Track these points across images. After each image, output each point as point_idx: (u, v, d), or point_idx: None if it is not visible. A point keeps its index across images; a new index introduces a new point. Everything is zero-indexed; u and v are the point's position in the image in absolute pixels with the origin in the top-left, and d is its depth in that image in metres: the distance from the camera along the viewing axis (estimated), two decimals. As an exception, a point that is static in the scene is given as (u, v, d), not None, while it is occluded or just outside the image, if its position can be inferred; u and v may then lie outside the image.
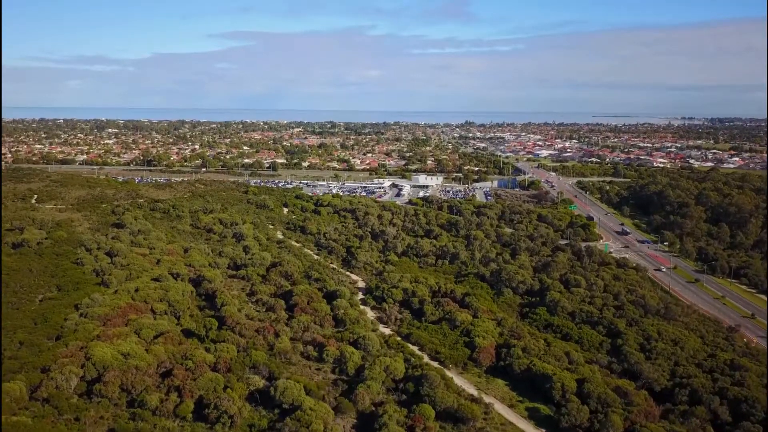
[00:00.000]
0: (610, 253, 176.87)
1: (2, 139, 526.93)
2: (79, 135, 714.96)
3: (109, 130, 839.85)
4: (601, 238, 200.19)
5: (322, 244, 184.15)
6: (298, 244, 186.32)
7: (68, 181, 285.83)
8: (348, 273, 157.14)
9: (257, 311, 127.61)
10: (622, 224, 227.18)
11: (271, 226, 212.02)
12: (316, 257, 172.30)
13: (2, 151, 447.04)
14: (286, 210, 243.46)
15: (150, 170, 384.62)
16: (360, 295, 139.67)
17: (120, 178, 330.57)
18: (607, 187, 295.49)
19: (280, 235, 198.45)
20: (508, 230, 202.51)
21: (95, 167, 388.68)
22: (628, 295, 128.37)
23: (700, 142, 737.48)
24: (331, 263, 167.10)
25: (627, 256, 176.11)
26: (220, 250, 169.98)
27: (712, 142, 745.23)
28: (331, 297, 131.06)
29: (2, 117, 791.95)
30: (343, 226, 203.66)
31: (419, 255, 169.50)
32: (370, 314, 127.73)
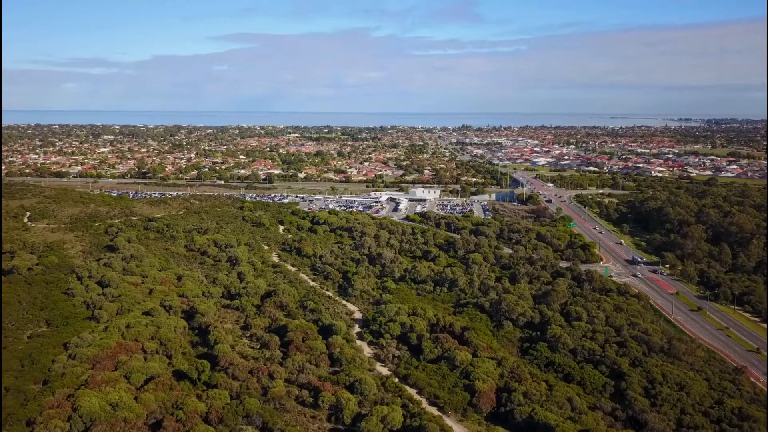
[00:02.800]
0: (611, 277, 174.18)
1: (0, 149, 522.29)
2: (74, 143, 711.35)
3: (105, 137, 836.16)
4: (602, 259, 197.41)
5: (318, 268, 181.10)
6: (293, 268, 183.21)
7: (61, 197, 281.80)
8: (344, 302, 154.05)
9: (251, 347, 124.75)
10: (621, 241, 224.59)
11: (266, 247, 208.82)
12: (312, 283, 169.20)
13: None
14: (281, 228, 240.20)
15: (145, 183, 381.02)
16: (356, 328, 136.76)
17: (114, 193, 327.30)
18: (606, 201, 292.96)
19: (275, 258, 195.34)
20: (506, 251, 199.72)
21: (89, 180, 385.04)
22: (631, 329, 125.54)
23: (697, 146, 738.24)
24: (327, 290, 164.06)
25: (628, 280, 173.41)
26: (214, 277, 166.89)
27: (709, 146, 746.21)
28: (326, 332, 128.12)
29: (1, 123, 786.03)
30: (339, 247, 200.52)
31: (417, 281, 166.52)
32: (367, 351, 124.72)
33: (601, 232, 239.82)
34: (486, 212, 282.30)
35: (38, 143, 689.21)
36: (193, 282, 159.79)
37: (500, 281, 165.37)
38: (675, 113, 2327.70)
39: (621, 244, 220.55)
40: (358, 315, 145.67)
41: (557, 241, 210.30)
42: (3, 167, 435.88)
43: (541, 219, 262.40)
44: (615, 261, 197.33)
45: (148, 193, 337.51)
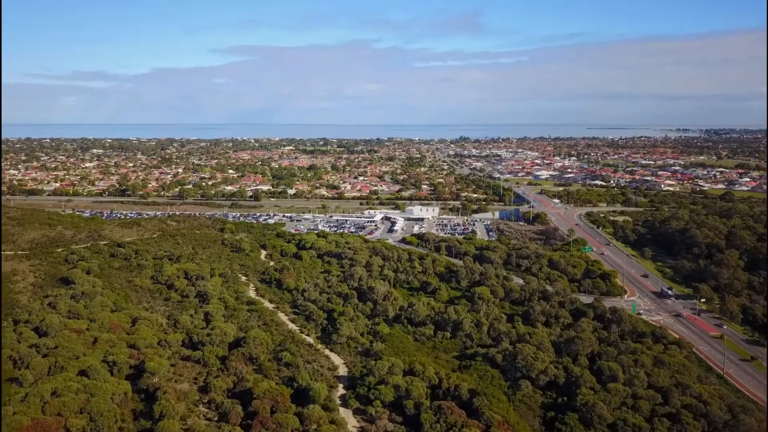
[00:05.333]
0: (640, 315, 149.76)
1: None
2: (59, 158, 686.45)
3: (94, 151, 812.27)
4: (626, 292, 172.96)
5: (299, 305, 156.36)
6: (271, 305, 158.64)
7: (27, 218, 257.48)
8: (327, 352, 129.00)
9: (207, 419, 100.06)
10: (646, 272, 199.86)
11: (243, 278, 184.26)
12: (291, 326, 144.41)
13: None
14: (264, 253, 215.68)
15: (122, 202, 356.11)
16: (340, 389, 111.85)
17: (87, 213, 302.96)
18: (621, 221, 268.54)
19: (252, 292, 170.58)
20: (516, 281, 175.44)
21: (63, 198, 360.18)
22: (681, 394, 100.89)
23: (702, 158, 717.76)
24: (308, 335, 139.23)
25: (661, 319, 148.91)
26: (176, 319, 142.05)
27: (714, 158, 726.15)
28: (302, 396, 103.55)
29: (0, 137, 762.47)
30: (325, 279, 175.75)
31: (414, 323, 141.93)
32: (352, 423, 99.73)
33: (621, 258, 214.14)
34: (490, 233, 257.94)
35: (23, 158, 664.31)
36: (149, 327, 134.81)
37: (512, 322, 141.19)
38: (672, 123, 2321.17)
39: (647, 276, 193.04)
40: (342, 370, 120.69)
41: (572, 269, 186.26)
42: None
43: (552, 241, 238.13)
44: (641, 294, 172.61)
45: (124, 212, 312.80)
